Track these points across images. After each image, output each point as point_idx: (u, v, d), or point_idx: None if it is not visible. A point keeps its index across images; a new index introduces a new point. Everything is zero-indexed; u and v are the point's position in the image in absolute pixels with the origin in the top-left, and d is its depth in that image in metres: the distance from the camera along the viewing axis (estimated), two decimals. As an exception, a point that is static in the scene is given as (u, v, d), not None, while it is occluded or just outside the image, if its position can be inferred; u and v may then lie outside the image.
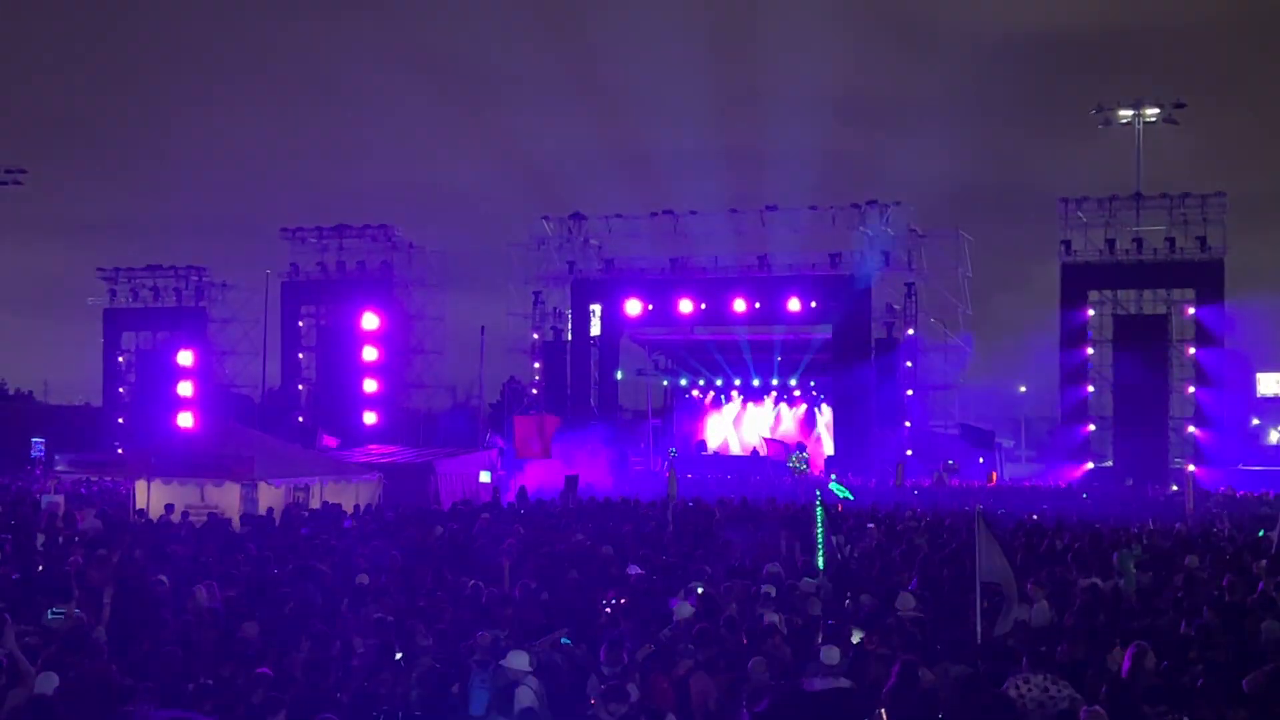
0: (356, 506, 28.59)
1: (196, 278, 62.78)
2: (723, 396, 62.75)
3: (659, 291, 54.59)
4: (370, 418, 57.94)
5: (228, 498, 27.38)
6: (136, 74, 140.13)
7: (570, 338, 57.39)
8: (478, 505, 30.50)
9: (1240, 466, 50.78)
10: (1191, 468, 46.69)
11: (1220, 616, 13.81)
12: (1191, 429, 51.78)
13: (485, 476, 37.23)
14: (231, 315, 63.07)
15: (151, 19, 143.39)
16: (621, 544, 20.64)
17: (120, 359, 64.55)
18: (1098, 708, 9.12)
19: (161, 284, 62.72)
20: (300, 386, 61.14)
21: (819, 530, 16.47)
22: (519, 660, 10.65)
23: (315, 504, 28.27)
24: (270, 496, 27.76)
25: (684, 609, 13.19)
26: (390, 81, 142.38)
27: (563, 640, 12.48)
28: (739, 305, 53.33)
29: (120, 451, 46.87)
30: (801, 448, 55.12)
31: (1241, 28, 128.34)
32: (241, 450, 27.91)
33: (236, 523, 24.71)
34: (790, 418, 61.10)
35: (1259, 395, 60.86)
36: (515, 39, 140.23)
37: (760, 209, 54.52)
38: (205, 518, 24.92)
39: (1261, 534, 24.70)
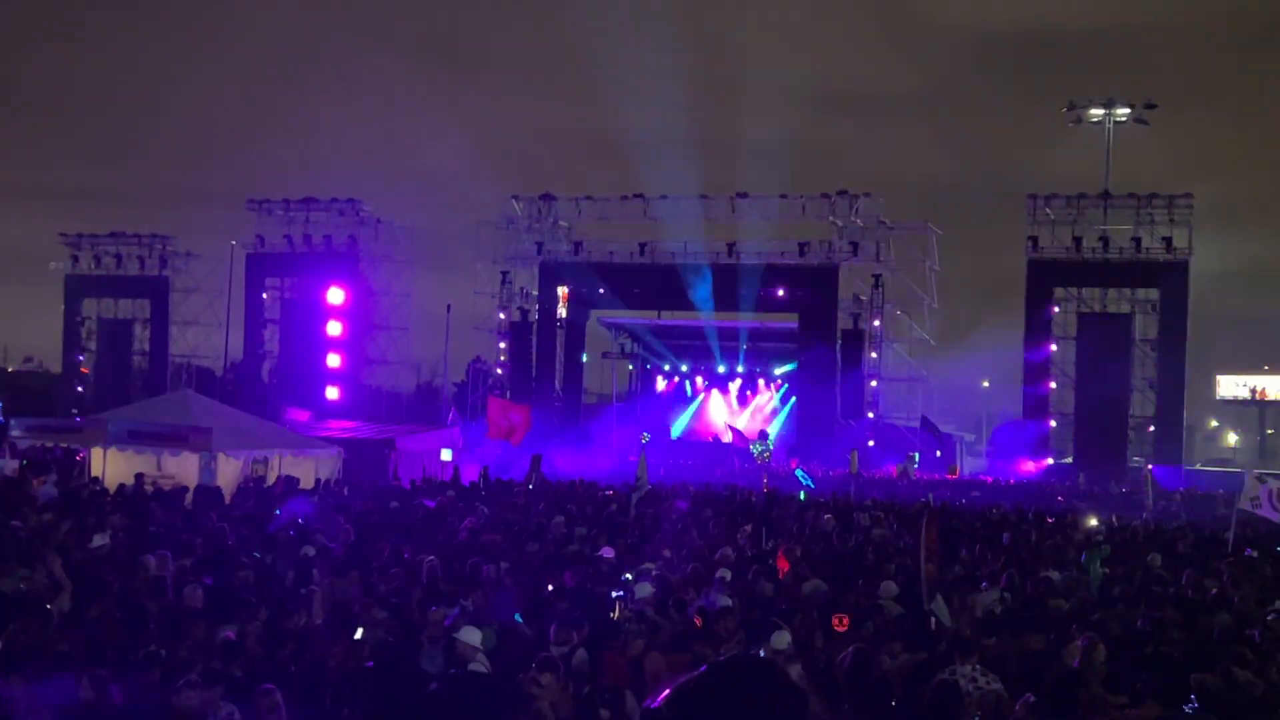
0: (317, 480, 28.39)
1: (161, 246, 62.19)
2: (688, 382, 62.77)
3: (627, 275, 54.46)
4: (333, 393, 57.65)
5: (185, 468, 27.11)
6: (106, 40, 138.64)
7: (537, 319, 57.19)
8: (438, 483, 30.37)
9: (1199, 466, 51.29)
10: (1150, 466, 47.01)
11: (1174, 611, 13.92)
12: (1151, 428, 52.18)
13: (447, 455, 37.09)
14: (195, 285, 62.58)
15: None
16: (585, 525, 20.61)
17: (81, 326, 63.89)
18: (1031, 697, 9.11)
19: (125, 251, 62.08)
20: (263, 359, 60.72)
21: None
22: (471, 636, 10.62)
23: (274, 477, 28.04)
24: (229, 468, 27.51)
25: (643, 589, 13.18)
26: (363, 55, 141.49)
27: (515, 618, 12.45)
28: (707, 291, 53.27)
29: (77, 418, 46.38)
30: (765, 435, 55.19)
31: (1214, 31, 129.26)
32: (200, 420, 27.65)
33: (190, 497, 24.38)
34: (754, 405, 61.19)
35: (1218, 397, 61.44)
36: (491, 17, 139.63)
37: (731, 196, 54.44)
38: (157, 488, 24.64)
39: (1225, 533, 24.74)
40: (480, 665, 10.42)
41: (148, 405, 32.24)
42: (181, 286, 62.68)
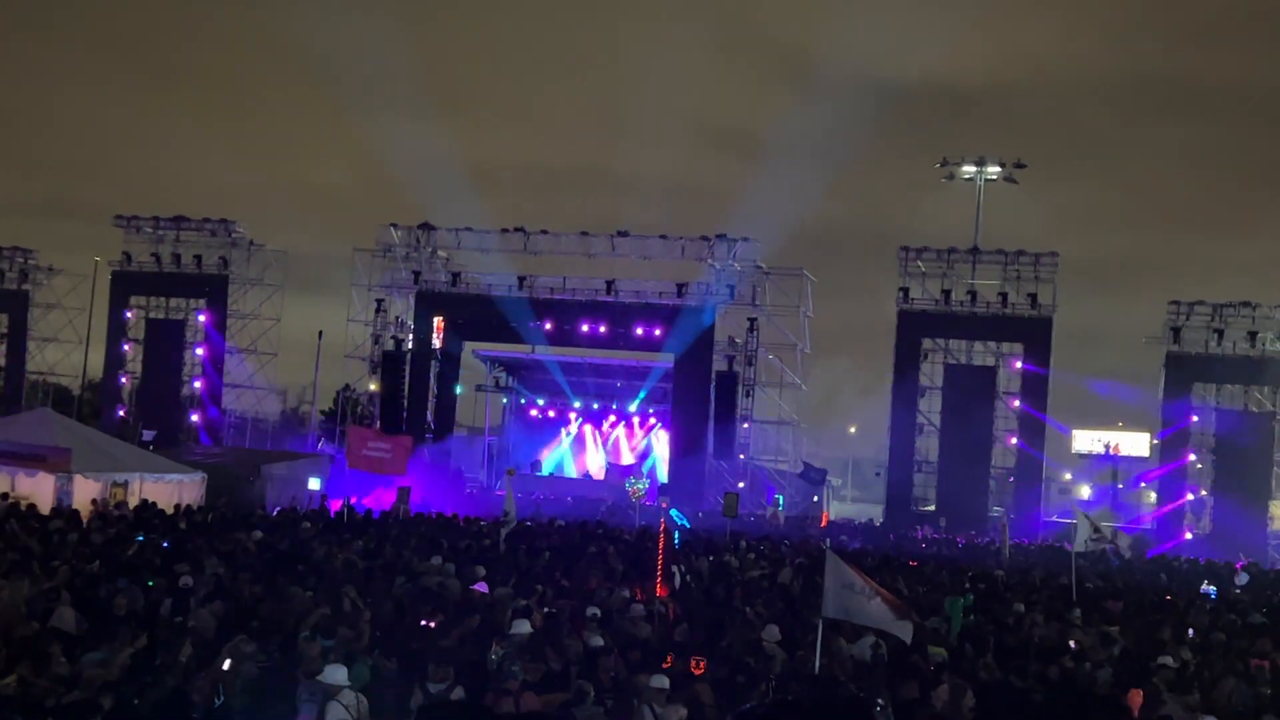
0: (178, 506, 27.60)
1: (23, 260, 60.05)
2: (562, 418, 62.68)
3: (504, 308, 54.20)
4: (196, 416, 56.40)
5: (40, 489, 26.18)
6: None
7: (411, 349, 56.50)
8: (303, 512, 29.84)
9: (1055, 518, 52.78)
10: (1009, 516, 48.16)
11: (1035, 659, 14.29)
12: (1010, 479, 53.55)
13: (315, 483, 36.47)
14: (56, 301, 60.47)
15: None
16: (455, 560, 20.36)
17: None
18: None
19: (-18, 263, 59.85)
20: (123, 380, 58.94)
21: (660, 556, 16.46)
22: (336, 675, 10.45)
23: (134, 501, 27.23)
24: (87, 490, 26.67)
25: (522, 626, 13.06)
26: (241, 72, 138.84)
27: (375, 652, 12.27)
28: (584, 328, 53.36)
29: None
30: (638, 474, 55.38)
31: (1084, 93, 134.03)
32: (59, 440, 26.77)
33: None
34: (628, 443, 61.32)
35: (1074, 451, 63.24)
36: (375, 42, 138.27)
37: (611, 234, 54.63)
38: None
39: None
40: (341, 704, 10.23)
41: (3, 424, 31.10)
42: (42, 302, 60.58)
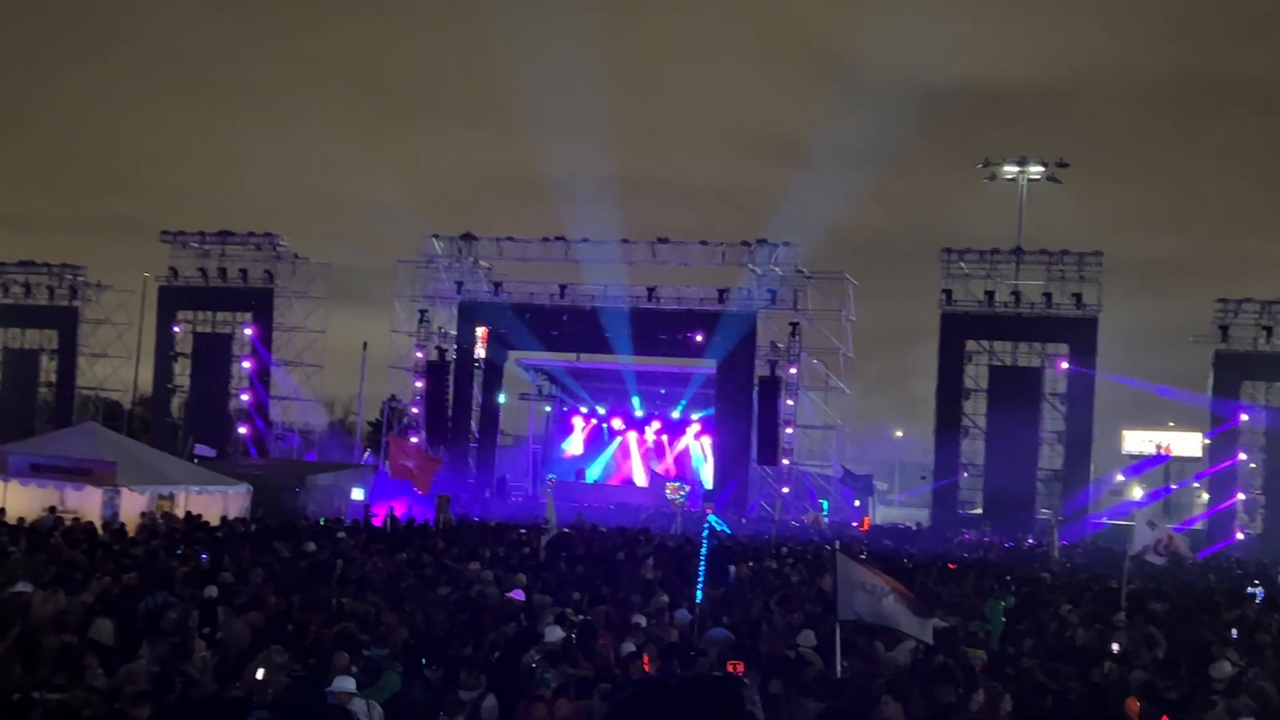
0: (224, 518, 27.89)
1: (72, 276, 61.01)
2: (605, 425, 62.73)
3: (546, 317, 54.43)
4: (243, 429, 56.95)
5: (88, 503, 26.54)
6: (18, 63, 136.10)
7: (454, 358, 56.85)
8: (347, 523, 30.05)
9: (1105, 520, 52.23)
10: (1058, 518, 47.73)
11: (1074, 661, 14.11)
12: (1058, 481, 53.05)
13: (358, 493, 36.72)
14: (105, 317, 61.38)
15: (38, 8, 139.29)
16: (495, 568, 20.42)
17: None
18: None
19: (34, 281, 60.80)
20: (173, 394, 59.66)
21: (701, 564, 16.39)
22: (344, 684, 10.52)
23: (180, 513, 27.53)
24: (133, 503, 27.00)
25: (554, 632, 13.08)
26: (283, 87, 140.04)
27: (421, 661, 12.31)
28: (626, 335, 53.41)
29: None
30: (681, 480, 55.30)
31: (1127, 92, 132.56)
32: (105, 454, 27.12)
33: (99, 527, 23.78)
34: (671, 449, 61.25)
35: (1124, 452, 62.58)
36: (417, 52, 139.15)
37: (652, 241, 54.71)
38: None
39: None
40: (357, 714, 10.29)
41: (52, 438, 31.57)
42: (91, 317, 61.49)
